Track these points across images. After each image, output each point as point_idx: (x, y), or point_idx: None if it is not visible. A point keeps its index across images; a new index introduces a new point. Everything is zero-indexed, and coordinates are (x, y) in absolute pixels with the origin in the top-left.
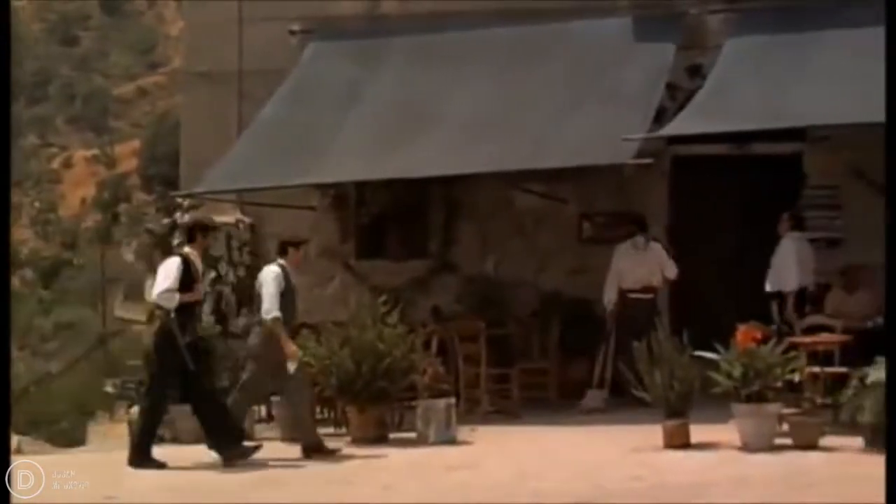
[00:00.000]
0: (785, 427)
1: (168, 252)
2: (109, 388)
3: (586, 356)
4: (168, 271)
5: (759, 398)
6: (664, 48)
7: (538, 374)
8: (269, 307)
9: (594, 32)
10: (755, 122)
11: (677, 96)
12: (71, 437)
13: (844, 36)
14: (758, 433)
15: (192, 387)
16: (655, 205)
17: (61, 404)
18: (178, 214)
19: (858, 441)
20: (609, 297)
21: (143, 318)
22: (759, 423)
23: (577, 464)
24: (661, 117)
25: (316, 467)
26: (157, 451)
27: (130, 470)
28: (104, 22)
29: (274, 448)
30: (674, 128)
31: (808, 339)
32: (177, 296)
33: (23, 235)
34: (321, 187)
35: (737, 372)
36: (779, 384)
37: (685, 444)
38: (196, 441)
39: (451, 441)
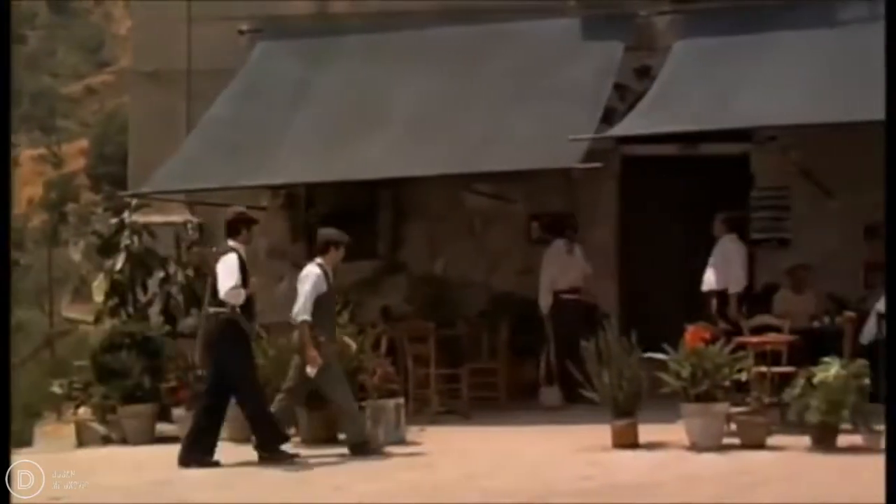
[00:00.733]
0: (733, 426)
1: (115, 251)
2: (56, 389)
3: (536, 356)
4: (230, 268)
5: (707, 398)
6: (612, 47)
7: (488, 375)
8: (300, 308)
9: (543, 32)
10: (703, 123)
11: (626, 97)
12: (18, 438)
13: (793, 38)
14: (706, 433)
15: (243, 383)
16: (605, 205)
17: None
18: (125, 214)
19: (805, 440)
20: (546, 300)
21: (90, 318)
22: (707, 423)
23: (527, 463)
24: (610, 118)
25: (266, 468)
26: (104, 452)
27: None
28: (52, 20)
29: (224, 449)
30: (621, 128)
31: (755, 339)
32: (243, 291)
33: None
34: (271, 187)
35: (685, 372)
36: (727, 384)
37: (634, 444)
38: (144, 442)
39: (401, 441)
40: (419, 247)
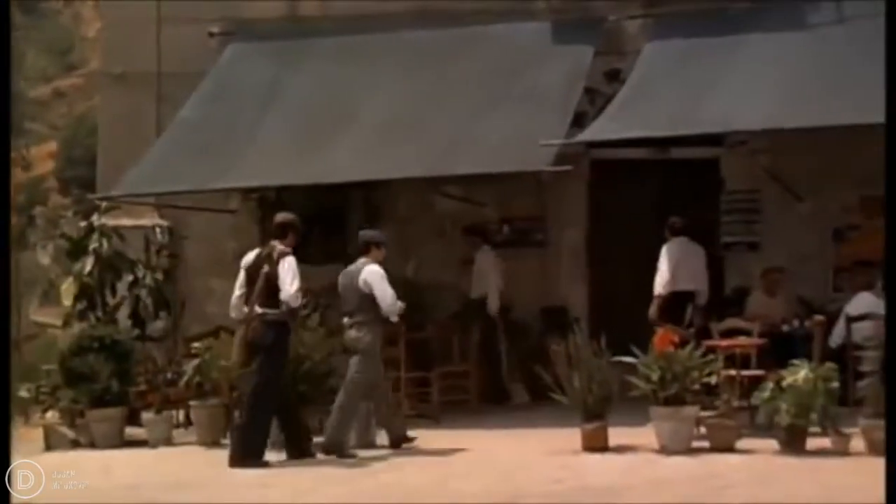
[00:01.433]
0: (702, 430)
1: (84, 255)
2: (24, 393)
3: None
4: (294, 271)
5: (676, 401)
6: (582, 51)
7: (458, 378)
8: (393, 301)
9: (513, 36)
10: (674, 127)
11: (596, 101)
12: None
13: (762, 41)
14: (675, 436)
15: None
16: (574, 208)
17: None
18: (94, 217)
19: (774, 443)
20: (495, 303)
21: (58, 322)
22: (677, 426)
23: (497, 466)
24: (580, 121)
25: (235, 471)
26: (72, 455)
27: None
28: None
29: (191, 452)
30: (591, 133)
31: (725, 343)
32: (300, 295)
33: None
34: (241, 190)
35: (655, 375)
36: (696, 387)
37: (603, 447)
38: (113, 446)
39: (371, 445)
40: (390, 249)
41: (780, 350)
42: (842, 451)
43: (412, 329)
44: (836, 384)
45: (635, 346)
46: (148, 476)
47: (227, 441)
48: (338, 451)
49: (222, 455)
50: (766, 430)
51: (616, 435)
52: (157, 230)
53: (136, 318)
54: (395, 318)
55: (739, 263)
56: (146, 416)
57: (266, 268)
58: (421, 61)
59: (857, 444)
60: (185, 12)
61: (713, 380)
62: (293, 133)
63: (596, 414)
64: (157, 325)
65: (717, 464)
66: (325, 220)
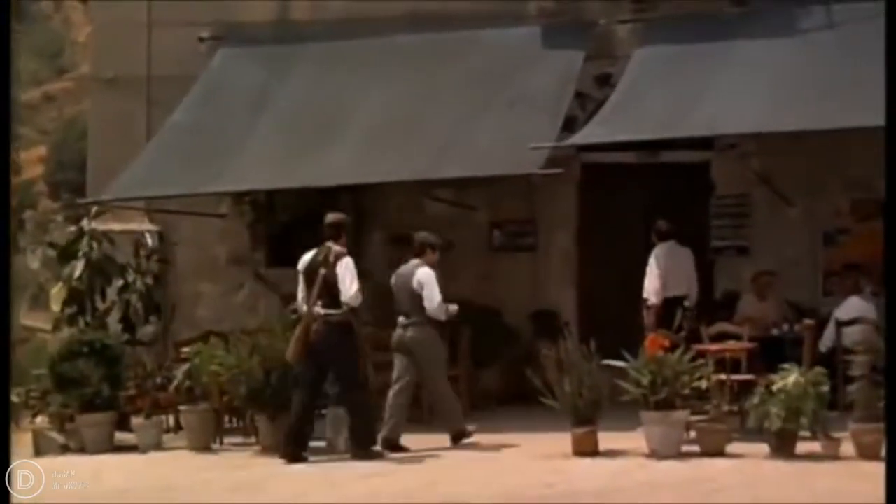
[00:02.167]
0: (692, 434)
1: (74, 259)
2: (14, 398)
3: (497, 364)
4: (352, 272)
5: (666, 406)
6: (573, 56)
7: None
8: (440, 303)
9: (504, 40)
10: (664, 130)
11: (587, 105)
12: None
13: (753, 46)
14: (665, 440)
15: (354, 383)
16: (565, 212)
17: None
18: (84, 222)
19: (764, 448)
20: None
21: (48, 326)
22: (667, 431)
23: (488, 471)
24: (571, 126)
25: (223, 476)
26: (62, 460)
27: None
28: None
29: (181, 457)
30: (582, 136)
31: (714, 347)
32: (360, 294)
33: None
34: (232, 195)
35: (645, 380)
36: (686, 392)
37: (594, 452)
38: (102, 451)
39: None
40: (380, 254)
41: (770, 354)
42: (832, 456)
43: None
44: (826, 388)
45: (625, 350)
46: (138, 481)
47: (216, 446)
48: (463, 432)
49: (212, 460)
50: (756, 435)
51: (606, 439)
52: (147, 235)
53: (127, 323)
54: (442, 318)
55: (729, 267)
56: (136, 420)
57: (324, 269)
58: (411, 66)
59: (847, 448)
60: (175, 16)
61: (703, 384)
62: (284, 137)
63: (586, 418)
64: (148, 330)
65: (707, 468)
66: (314, 225)
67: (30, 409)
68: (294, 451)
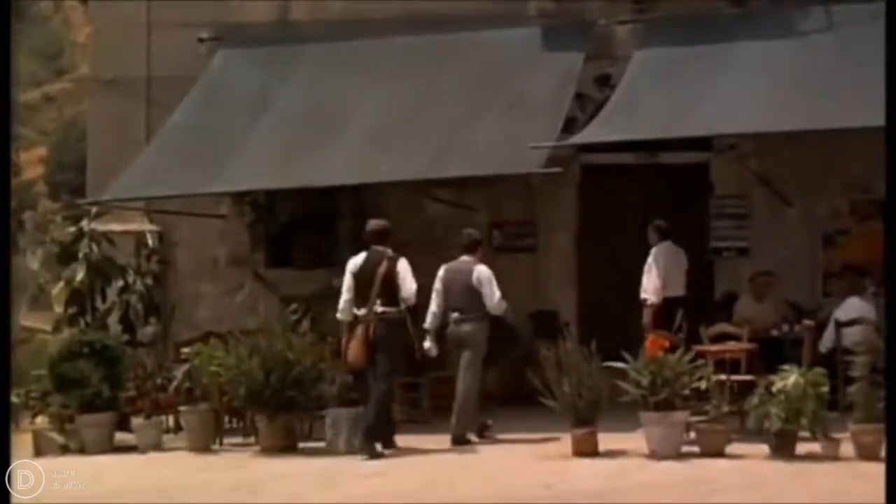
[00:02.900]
0: (692, 435)
1: (74, 260)
2: (14, 398)
3: (497, 365)
4: (410, 274)
5: (666, 406)
6: (573, 57)
7: (449, 383)
8: (500, 300)
9: (503, 41)
10: (664, 132)
11: (586, 106)
12: None
13: (752, 48)
14: (665, 441)
15: (393, 378)
16: (564, 213)
17: None
18: (84, 222)
19: (764, 448)
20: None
21: (48, 327)
22: (667, 431)
23: (487, 472)
24: (570, 127)
25: (223, 476)
26: (62, 461)
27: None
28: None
29: (181, 457)
30: (581, 137)
31: (714, 348)
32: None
33: None
34: (232, 195)
35: (645, 380)
36: (686, 392)
37: (593, 452)
38: (102, 451)
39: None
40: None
41: (769, 355)
42: (831, 456)
43: None
44: (826, 389)
45: (625, 350)
46: (138, 481)
47: (216, 447)
48: (467, 440)
49: (212, 460)
50: (756, 435)
51: (606, 440)
52: (147, 235)
53: (127, 324)
54: (501, 314)
55: (729, 268)
56: (136, 421)
57: (382, 271)
58: (411, 66)
59: (847, 448)
60: (174, 17)
61: (703, 385)
62: (284, 138)
63: (586, 419)
64: (148, 331)
65: (706, 469)
66: (314, 226)
67: (30, 409)
68: (383, 442)
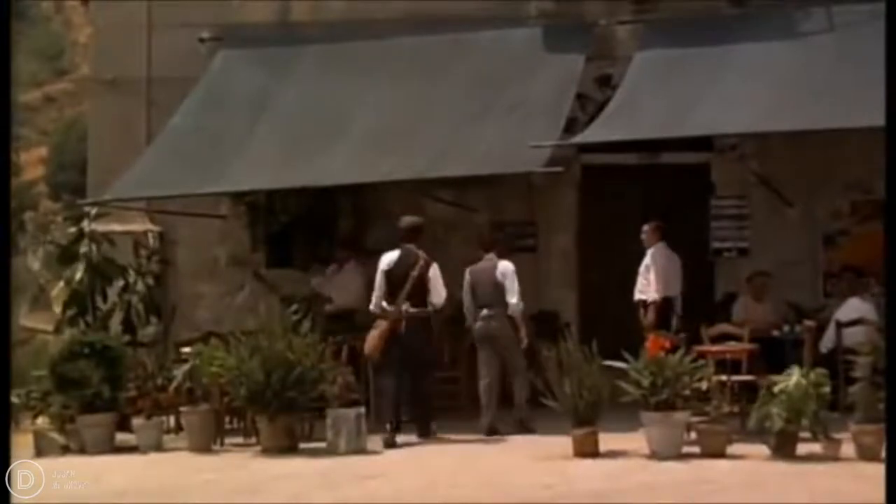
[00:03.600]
0: (693, 435)
1: (74, 260)
2: (14, 399)
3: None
4: (441, 280)
5: (667, 406)
6: (574, 58)
7: (449, 383)
8: (519, 298)
9: (504, 42)
10: (664, 132)
11: (587, 107)
12: None
13: (753, 49)
14: (666, 441)
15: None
16: (565, 213)
17: None
18: (84, 223)
19: (765, 449)
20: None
21: (49, 327)
22: (668, 432)
23: (488, 472)
24: (571, 128)
25: (224, 477)
26: (62, 461)
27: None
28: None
29: (182, 457)
30: (581, 136)
31: (715, 348)
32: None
33: None
34: (233, 196)
35: (646, 381)
36: (687, 392)
37: (594, 453)
38: (103, 452)
39: (362, 450)
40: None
41: (770, 355)
42: (832, 457)
43: None
44: (826, 389)
45: (626, 350)
46: (138, 482)
47: (217, 447)
48: (527, 427)
49: (213, 460)
50: (756, 436)
51: (607, 440)
52: (148, 236)
53: (128, 324)
54: (518, 312)
55: (729, 269)
56: (137, 421)
57: (415, 272)
58: (412, 68)
59: (848, 449)
60: (175, 18)
61: (704, 385)
62: (284, 139)
63: (586, 419)
64: (148, 331)
65: (707, 469)
66: (314, 226)
67: (30, 409)
68: (427, 430)
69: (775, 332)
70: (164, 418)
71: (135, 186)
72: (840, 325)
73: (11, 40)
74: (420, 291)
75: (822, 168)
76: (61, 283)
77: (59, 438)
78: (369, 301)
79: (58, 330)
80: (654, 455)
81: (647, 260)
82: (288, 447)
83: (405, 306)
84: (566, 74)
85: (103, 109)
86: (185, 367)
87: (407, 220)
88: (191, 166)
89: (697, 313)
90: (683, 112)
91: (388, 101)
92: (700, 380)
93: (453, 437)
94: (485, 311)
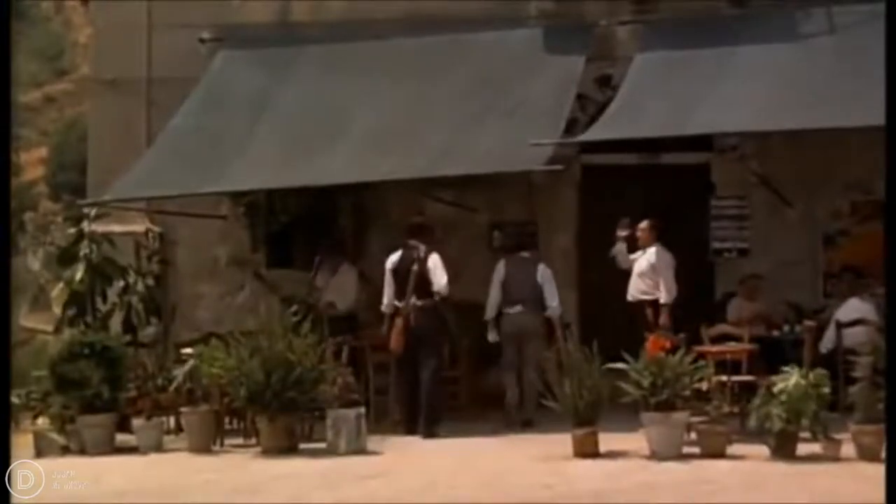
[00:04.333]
0: (693, 435)
1: (74, 261)
2: (14, 399)
3: (497, 365)
4: (441, 265)
5: (667, 407)
6: (574, 59)
7: (449, 383)
8: (558, 301)
9: (504, 43)
10: (664, 132)
11: (587, 107)
12: None
13: (754, 51)
14: (666, 441)
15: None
16: (565, 214)
17: None
18: (84, 223)
19: (765, 449)
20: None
21: (48, 328)
22: (668, 432)
23: (487, 472)
24: (572, 128)
25: (224, 477)
26: (62, 462)
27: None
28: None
29: (182, 458)
30: (581, 136)
31: (715, 349)
32: (448, 285)
33: None
34: (232, 196)
35: (646, 381)
36: (687, 393)
37: (594, 453)
38: (103, 452)
39: (362, 451)
40: (381, 255)
41: (770, 356)
42: (832, 457)
43: None
44: (826, 390)
45: (626, 351)
46: (138, 482)
47: (217, 448)
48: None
49: (213, 461)
50: (756, 436)
51: (607, 440)
52: (149, 236)
53: (128, 324)
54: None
55: (730, 269)
56: (137, 422)
57: (416, 266)
58: (412, 68)
59: (848, 449)
60: (175, 18)
61: (704, 385)
62: (284, 140)
63: (587, 419)
64: (148, 331)
65: (707, 469)
66: (315, 227)
67: (30, 410)
68: (414, 424)
69: (775, 333)
70: (164, 419)
71: (135, 187)
72: (840, 326)
73: (11, 40)
74: (424, 284)
75: (823, 168)
76: (61, 284)
77: (59, 439)
78: (365, 302)
79: (58, 330)
80: (654, 455)
81: (651, 259)
82: (288, 448)
83: (413, 300)
84: (566, 75)
85: (103, 110)
86: (186, 367)
87: (414, 218)
88: (191, 166)
89: (697, 314)
90: (684, 112)
91: (388, 101)
92: (700, 380)
93: (453, 437)
94: (518, 308)
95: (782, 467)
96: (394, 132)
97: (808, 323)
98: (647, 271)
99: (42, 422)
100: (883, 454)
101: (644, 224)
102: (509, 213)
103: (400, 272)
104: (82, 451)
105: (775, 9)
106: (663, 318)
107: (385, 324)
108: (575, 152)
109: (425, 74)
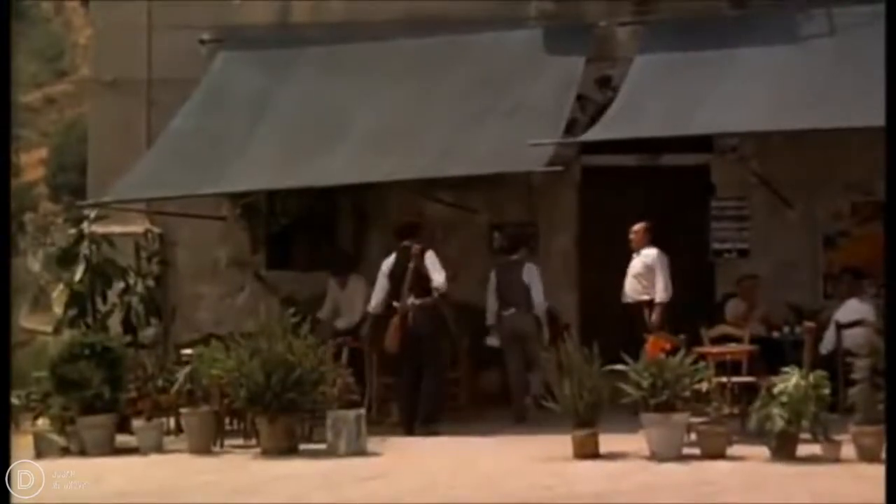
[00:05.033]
0: (693, 436)
1: (74, 262)
2: (14, 400)
3: (497, 366)
4: (438, 264)
5: (667, 408)
6: (574, 59)
7: (449, 384)
8: (543, 298)
9: (504, 43)
10: (664, 132)
11: (587, 108)
12: None
13: (754, 52)
14: (666, 442)
15: (439, 359)
16: (565, 215)
17: None
18: (84, 224)
19: (765, 450)
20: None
21: (48, 329)
22: (668, 433)
23: (487, 473)
24: (572, 129)
25: (224, 478)
26: (62, 463)
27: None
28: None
29: (182, 459)
30: (581, 136)
31: (715, 349)
32: (446, 282)
33: None
34: (232, 197)
35: (646, 382)
36: (687, 394)
37: (594, 454)
38: (103, 453)
39: (361, 452)
40: (380, 256)
41: (770, 357)
42: (832, 458)
43: None
44: (827, 391)
45: (625, 352)
46: (138, 483)
47: (217, 448)
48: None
49: (213, 462)
50: (756, 437)
51: (607, 441)
52: (148, 237)
53: (128, 325)
54: (541, 311)
55: (730, 270)
56: (137, 423)
57: (412, 265)
58: (412, 69)
59: (848, 450)
60: (175, 19)
61: (704, 386)
62: (284, 140)
63: (587, 421)
64: (149, 332)
65: (707, 470)
66: (314, 228)
67: (30, 411)
68: (412, 424)
69: (775, 334)
70: (164, 420)
71: (135, 188)
72: (840, 327)
73: (11, 41)
74: (421, 282)
75: (823, 169)
76: (61, 285)
77: (59, 440)
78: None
79: (58, 331)
80: (655, 456)
81: (646, 261)
82: (288, 448)
83: (410, 299)
84: (566, 76)
85: (103, 111)
86: (186, 368)
87: (404, 219)
88: (191, 167)
89: (697, 314)
90: (684, 113)
91: (388, 101)
92: (700, 381)
93: (454, 437)
94: (512, 310)
95: (782, 468)
96: (394, 133)
97: (808, 324)
98: (641, 272)
99: (42, 423)
100: (883, 455)
101: (637, 226)
102: (509, 214)
103: (396, 274)
104: (82, 452)
105: (775, 10)
106: (656, 316)
107: (367, 323)
108: (575, 153)
109: (425, 75)
